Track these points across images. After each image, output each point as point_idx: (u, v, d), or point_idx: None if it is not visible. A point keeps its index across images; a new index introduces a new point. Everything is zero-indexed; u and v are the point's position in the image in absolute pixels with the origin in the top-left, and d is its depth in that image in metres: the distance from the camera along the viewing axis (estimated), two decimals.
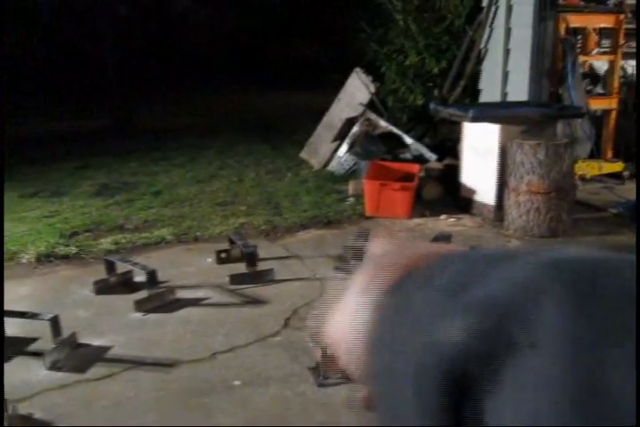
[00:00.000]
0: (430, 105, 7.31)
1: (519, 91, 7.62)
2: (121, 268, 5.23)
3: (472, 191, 6.76)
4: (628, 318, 0.37)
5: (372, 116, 7.84)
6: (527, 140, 6.04)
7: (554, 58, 7.64)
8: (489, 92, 7.99)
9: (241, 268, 5.33)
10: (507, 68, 7.79)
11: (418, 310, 0.45)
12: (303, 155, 8.70)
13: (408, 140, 7.68)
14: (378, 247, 0.59)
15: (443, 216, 6.73)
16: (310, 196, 7.30)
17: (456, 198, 6.97)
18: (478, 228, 6.43)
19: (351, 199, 7.13)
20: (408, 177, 6.87)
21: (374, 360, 0.49)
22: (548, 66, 7.67)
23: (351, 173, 7.90)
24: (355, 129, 7.93)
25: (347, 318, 0.53)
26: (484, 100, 8.08)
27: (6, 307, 4.54)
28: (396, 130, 7.73)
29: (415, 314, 0.45)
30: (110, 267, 5.15)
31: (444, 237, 5.61)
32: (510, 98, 7.79)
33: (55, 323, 4.11)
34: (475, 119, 6.33)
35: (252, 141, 9.80)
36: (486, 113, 6.47)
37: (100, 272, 5.32)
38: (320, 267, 5.47)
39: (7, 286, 5.24)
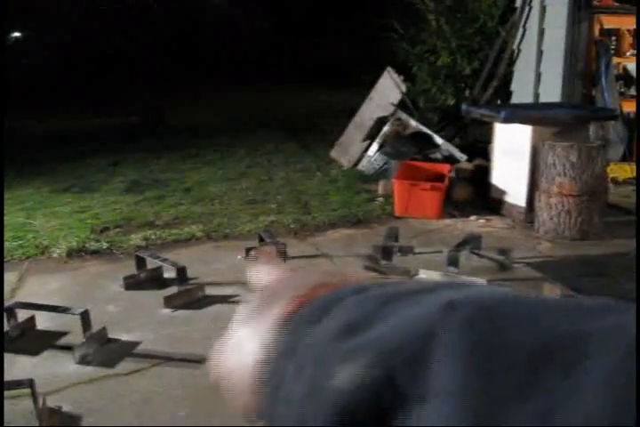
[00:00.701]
0: (462, 106, 7.28)
1: (552, 92, 7.56)
2: (151, 264, 5.26)
3: (502, 192, 6.72)
4: (526, 372, 0.33)
5: (403, 116, 7.82)
6: (559, 141, 5.99)
7: (587, 59, 7.57)
8: (521, 93, 7.94)
9: None
10: (539, 69, 7.74)
11: (303, 353, 0.42)
12: (333, 154, 8.71)
13: (438, 140, 7.64)
14: (265, 274, 0.56)
15: (472, 217, 6.70)
16: (340, 195, 7.29)
17: (486, 199, 6.93)
18: (508, 229, 6.39)
19: (380, 199, 7.11)
20: (438, 177, 6.83)
21: (262, 404, 0.46)
22: (581, 67, 7.60)
23: (381, 173, 7.88)
24: (385, 128, 7.92)
25: (232, 351, 0.50)
26: (515, 102, 8.03)
27: (37, 300, 4.61)
28: (426, 130, 7.69)
29: (300, 358, 0.42)
30: (140, 263, 5.19)
31: (474, 239, 5.59)
32: (542, 99, 7.74)
33: (85, 317, 4.15)
34: (506, 120, 6.28)
35: (281, 140, 9.83)
36: (518, 114, 6.41)
37: (129, 268, 5.36)
38: (349, 266, 5.47)
39: (39, 279, 5.34)
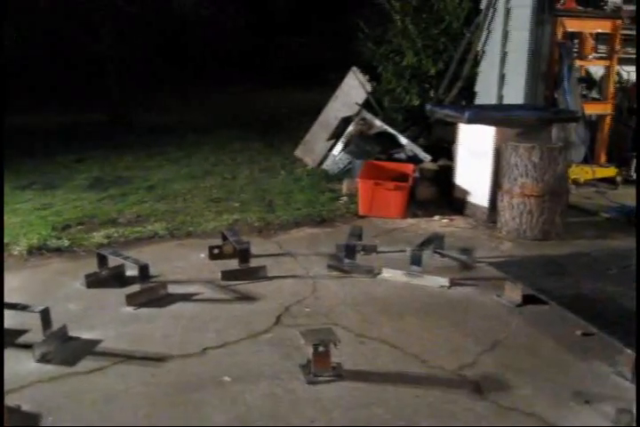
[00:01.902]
0: (426, 106, 7.32)
1: (515, 94, 7.65)
2: (113, 262, 5.21)
3: (466, 193, 6.77)
4: None
5: (368, 116, 7.85)
6: (522, 142, 6.06)
7: (550, 62, 7.66)
8: (485, 94, 8.02)
9: (234, 264, 5.33)
10: (503, 70, 7.82)
11: None
12: (298, 153, 8.71)
13: (403, 140, 7.68)
14: None
15: (436, 217, 6.75)
16: (304, 194, 7.30)
17: (450, 199, 6.99)
18: (471, 229, 6.45)
19: (345, 198, 7.13)
20: (402, 177, 6.87)
21: None
22: (544, 69, 7.69)
23: (346, 172, 7.90)
24: (350, 128, 7.94)
25: None
26: (480, 103, 8.10)
27: None
28: (391, 130, 7.74)
29: None
30: (102, 261, 5.14)
31: (437, 238, 5.63)
32: (506, 101, 7.82)
33: (45, 315, 4.10)
34: (470, 121, 6.34)
35: (248, 139, 9.81)
36: (482, 115, 6.48)
37: (91, 266, 5.30)
38: (313, 265, 5.48)
39: None
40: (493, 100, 7.80)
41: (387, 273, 5.27)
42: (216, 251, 5.58)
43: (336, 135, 8.13)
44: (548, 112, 7.00)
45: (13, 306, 4.31)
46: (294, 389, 3.74)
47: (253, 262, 5.31)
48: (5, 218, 6.60)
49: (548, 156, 5.93)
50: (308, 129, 8.94)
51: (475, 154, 6.60)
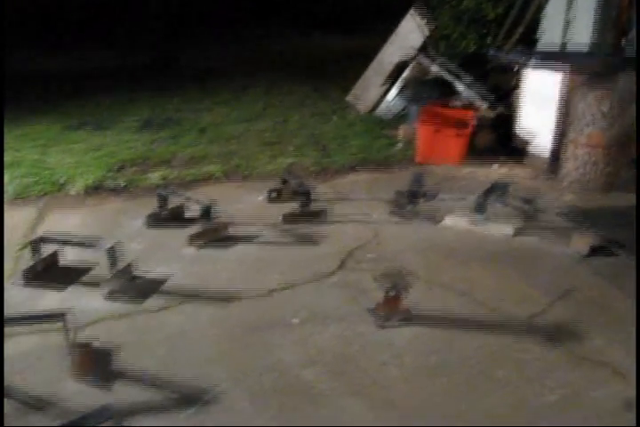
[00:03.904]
0: (489, 51, 7.10)
1: (580, 41, 7.35)
2: (173, 202, 5.16)
3: (526, 141, 6.60)
4: None
5: (425, 61, 7.63)
6: (591, 91, 5.84)
7: (619, 8, 7.33)
8: (548, 40, 7.71)
9: (292, 207, 5.26)
10: (569, 16, 7.50)
11: None
12: (349, 98, 8.54)
13: (460, 86, 7.47)
14: None
15: (495, 165, 6.59)
16: (358, 139, 7.17)
17: (508, 148, 6.81)
18: (531, 179, 6.29)
19: (400, 144, 7.00)
20: (461, 124, 6.71)
21: None
22: (612, 17, 7.36)
23: (399, 118, 7.74)
24: (405, 73, 7.74)
25: None
26: (541, 50, 7.81)
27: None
28: (447, 76, 7.52)
29: None
30: (163, 201, 5.09)
31: (500, 187, 5.48)
32: (570, 49, 7.52)
33: (113, 253, 4.07)
34: (537, 67, 6.13)
35: (295, 83, 9.63)
36: (549, 61, 6.25)
37: (149, 206, 5.28)
38: (373, 210, 5.40)
39: (58, 216, 5.25)
40: (556, 48, 7.51)
41: (449, 220, 5.17)
42: (274, 194, 5.51)
43: (390, 80, 7.93)
44: (618, 60, 6.73)
45: (81, 243, 4.29)
46: (364, 332, 3.70)
47: (312, 206, 5.23)
48: (60, 158, 6.58)
49: (618, 105, 5.72)
50: (355, 74, 8.74)
51: (538, 102, 6.40)
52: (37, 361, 3.40)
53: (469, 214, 5.14)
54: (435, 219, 5.21)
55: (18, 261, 4.51)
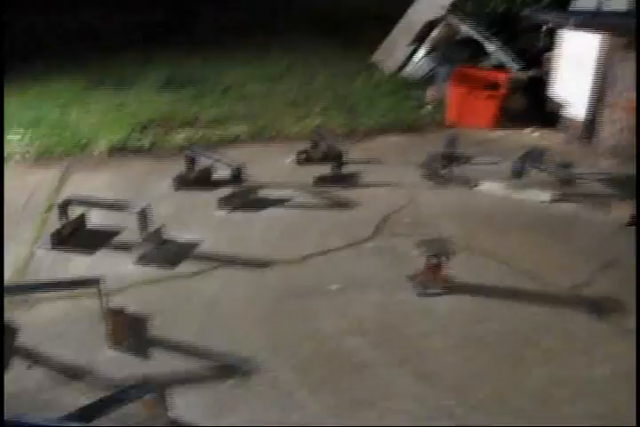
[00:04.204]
0: (525, 10, 6.84)
1: (616, 1, 7.07)
2: (201, 164, 5.02)
3: (560, 105, 6.39)
4: None
5: (454, 21, 7.39)
6: (631, 52, 5.61)
7: None
8: (580, 1, 7.42)
9: (322, 169, 5.12)
10: None
11: None
12: (375, 58, 8.31)
13: (490, 47, 7.24)
14: None
15: (527, 129, 6.40)
16: (386, 100, 6.97)
17: (541, 112, 6.60)
18: (566, 144, 6.10)
19: (429, 106, 6.81)
20: (493, 86, 6.51)
21: None
22: None
23: (427, 79, 7.52)
24: (435, 33, 7.50)
25: None
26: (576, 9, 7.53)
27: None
28: (478, 36, 7.28)
29: None
30: (190, 162, 4.95)
31: (536, 152, 5.31)
32: (607, 8, 7.24)
33: (143, 216, 3.95)
34: (578, 26, 5.89)
35: (317, 42, 9.36)
36: (589, 21, 6.00)
37: (175, 168, 5.15)
38: (405, 173, 5.25)
39: (82, 177, 5.13)
40: (592, 7, 7.22)
41: (485, 186, 5.03)
42: (304, 156, 5.36)
43: (418, 40, 7.70)
44: None
45: (110, 205, 4.17)
46: (404, 300, 3.59)
47: (343, 169, 5.09)
48: (81, 117, 6.42)
49: None
50: (381, 35, 8.49)
51: (574, 64, 6.17)
52: (70, 327, 3.30)
53: (506, 180, 4.99)
54: (469, 184, 5.06)
55: (44, 223, 4.40)
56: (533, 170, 5.20)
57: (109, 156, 5.59)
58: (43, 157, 5.57)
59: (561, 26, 6.09)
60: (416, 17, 7.78)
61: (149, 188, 4.98)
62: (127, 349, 3.15)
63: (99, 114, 6.51)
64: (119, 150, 5.66)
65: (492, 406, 2.81)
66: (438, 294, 3.63)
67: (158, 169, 5.35)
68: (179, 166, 5.13)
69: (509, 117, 6.49)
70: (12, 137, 5.85)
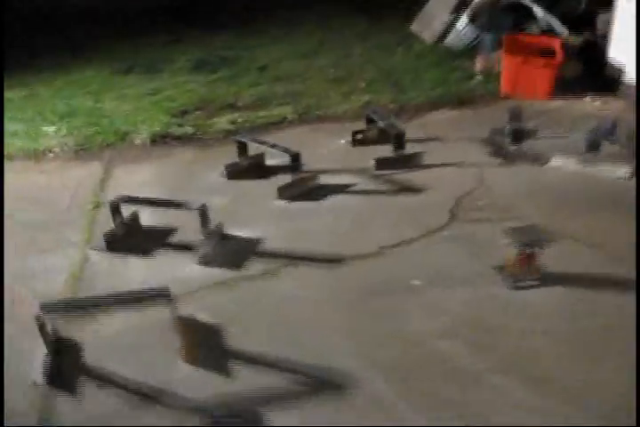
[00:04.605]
0: None
1: None
2: (252, 149, 4.71)
3: (620, 70, 5.99)
4: None
5: None
6: None
7: None
8: None
9: (380, 151, 4.79)
10: None
11: None
12: (414, 28, 7.89)
13: (539, 12, 6.80)
14: None
15: (587, 98, 6.01)
16: (432, 73, 6.60)
17: (599, 78, 6.19)
18: (629, 112, 5.69)
19: (479, 77, 6.42)
20: (547, 53, 6.11)
21: None
22: None
23: (471, 49, 7.12)
24: None
25: None
26: None
27: (131, 194, 4.08)
28: (526, 1, 6.84)
29: None
30: (242, 148, 4.64)
31: (609, 124, 4.91)
32: None
33: (203, 213, 3.66)
34: None
35: (348, 14, 8.92)
36: None
37: (222, 154, 4.88)
38: (469, 151, 4.90)
39: (126, 169, 4.87)
40: None
41: (557, 161, 4.68)
42: (359, 136, 5.04)
43: (459, 8, 7.29)
44: None
45: (168, 203, 3.87)
46: (496, 294, 3.30)
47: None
48: (115, 105, 6.12)
49: None
50: (417, 2, 8.07)
51: (633, 25, 5.75)
52: (138, 340, 3.06)
53: (578, 155, 4.64)
54: (540, 160, 4.71)
55: (93, 223, 4.13)
56: (606, 143, 4.84)
57: (152, 144, 5.29)
58: (82, 149, 5.29)
59: None
60: None
61: (199, 178, 4.69)
62: (204, 363, 2.88)
63: (133, 100, 6.21)
64: (162, 138, 5.36)
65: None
66: (531, 287, 3.33)
67: (204, 157, 5.05)
68: (225, 153, 4.85)
69: (565, 86, 6.10)
70: (47, 128, 5.58)
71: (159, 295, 2.88)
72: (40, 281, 3.55)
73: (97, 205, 4.36)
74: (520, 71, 5.88)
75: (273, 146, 4.45)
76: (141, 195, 4.15)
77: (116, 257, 3.74)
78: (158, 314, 2.96)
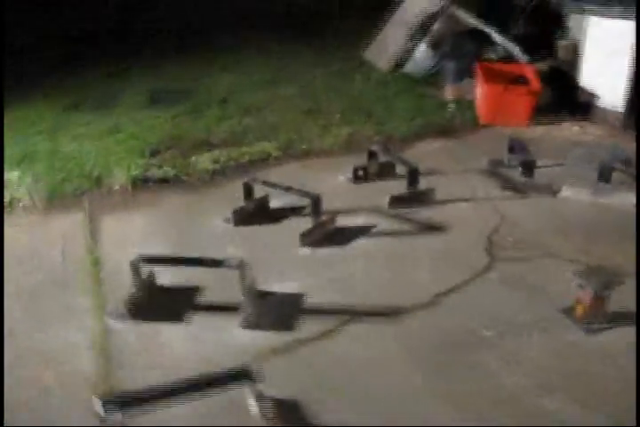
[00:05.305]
0: None
1: None
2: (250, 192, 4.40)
3: (594, 96, 6.03)
4: None
5: (460, 12, 6.92)
6: None
7: None
8: None
9: (383, 186, 4.61)
10: None
11: None
12: (368, 55, 7.75)
13: (498, 38, 6.79)
14: None
15: (565, 124, 6.01)
16: (402, 101, 6.46)
17: (570, 103, 6.21)
18: (611, 137, 5.73)
19: (452, 105, 6.32)
20: (518, 80, 6.10)
21: None
22: None
23: (431, 76, 7.04)
24: (437, 26, 7.02)
25: None
26: None
27: (133, 248, 3.73)
28: (485, 27, 6.82)
29: None
30: (248, 191, 4.32)
31: (618, 152, 4.88)
32: None
33: (243, 268, 3.31)
34: (599, 13, 5.51)
35: (291, 42, 8.64)
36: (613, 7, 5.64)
37: (215, 197, 4.64)
38: (473, 184, 4.77)
39: (113, 219, 4.45)
40: None
41: (567, 191, 4.60)
42: (361, 172, 4.81)
43: (417, 35, 7.20)
44: None
45: (198, 262, 3.49)
46: (575, 341, 3.13)
47: (395, 183, 4.58)
48: (75, 146, 5.65)
49: None
50: (360, 29, 7.95)
51: (606, 51, 5.83)
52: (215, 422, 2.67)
53: (589, 184, 4.58)
54: (550, 190, 4.61)
55: (100, 284, 3.70)
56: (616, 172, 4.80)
57: (133, 190, 4.87)
58: (55, 198, 4.81)
59: (603, 14, 5.69)
60: (413, 9, 7.28)
61: (201, 225, 4.33)
62: None
63: (93, 140, 5.76)
64: (142, 182, 4.95)
65: None
66: (606, 329, 3.17)
67: (197, 201, 4.70)
68: (218, 196, 4.58)
69: (539, 112, 6.08)
70: (9, 176, 5.07)
71: (240, 376, 2.52)
72: (64, 363, 3.07)
73: (96, 262, 3.93)
74: (501, 99, 5.81)
75: (288, 189, 4.15)
76: (143, 248, 3.83)
77: (143, 325, 3.32)
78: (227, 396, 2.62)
